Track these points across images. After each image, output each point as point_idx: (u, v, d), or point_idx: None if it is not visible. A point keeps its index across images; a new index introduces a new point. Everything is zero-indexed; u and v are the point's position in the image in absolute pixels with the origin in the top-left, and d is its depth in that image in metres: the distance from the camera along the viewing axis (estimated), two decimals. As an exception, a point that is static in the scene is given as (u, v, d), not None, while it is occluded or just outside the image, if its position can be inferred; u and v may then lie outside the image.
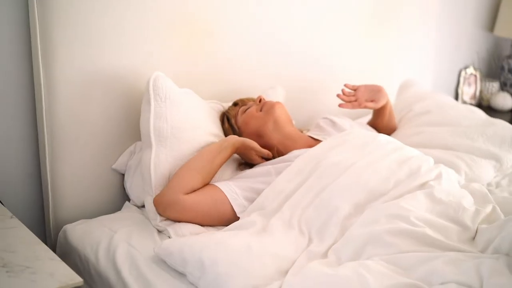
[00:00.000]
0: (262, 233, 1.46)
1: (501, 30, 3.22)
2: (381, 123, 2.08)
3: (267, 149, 1.79)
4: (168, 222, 1.63)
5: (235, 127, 1.86)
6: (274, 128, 1.82)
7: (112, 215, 1.77)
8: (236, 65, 2.06)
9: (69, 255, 1.67)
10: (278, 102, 1.85)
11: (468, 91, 3.33)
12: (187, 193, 1.61)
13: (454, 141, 2.01)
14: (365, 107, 1.93)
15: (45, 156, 1.73)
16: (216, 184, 1.66)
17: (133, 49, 1.79)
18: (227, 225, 1.58)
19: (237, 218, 1.61)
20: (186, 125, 1.73)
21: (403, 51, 2.72)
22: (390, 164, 1.56)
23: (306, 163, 1.62)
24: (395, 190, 1.48)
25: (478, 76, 3.33)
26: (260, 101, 1.86)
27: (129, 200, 1.84)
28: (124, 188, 1.86)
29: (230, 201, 1.62)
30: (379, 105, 1.94)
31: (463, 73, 3.28)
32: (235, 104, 1.92)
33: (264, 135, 1.82)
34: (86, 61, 1.70)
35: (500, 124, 2.12)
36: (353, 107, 1.91)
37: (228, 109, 1.92)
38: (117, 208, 1.85)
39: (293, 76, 2.25)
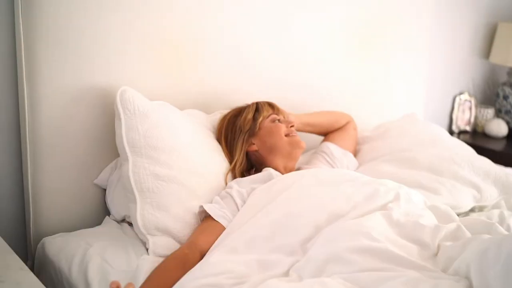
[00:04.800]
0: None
1: (496, 58, 3.24)
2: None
3: (262, 165, 1.88)
4: (151, 233, 1.65)
5: (258, 124, 1.90)
6: (286, 158, 1.90)
7: (91, 229, 1.79)
8: (224, 89, 2.11)
9: (46, 267, 1.69)
10: (304, 143, 1.91)
11: (463, 117, 3.34)
12: None
13: (440, 164, 2.03)
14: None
15: (27, 169, 1.76)
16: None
17: (116, 66, 1.83)
18: None
19: None
20: (159, 133, 1.75)
21: (395, 75, 2.74)
22: (346, 189, 1.58)
23: (267, 194, 1.65)
24: (353, 212, 1.49)
25: (473, 102, 3.34)
26: (291, 126, 1.92)
27: (109, 214, 1.87)
28: (105, 203, 1.89)
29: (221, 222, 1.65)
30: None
31: (457, 99, 3.29)
32: (271, 106, 1.97)
33: (274, 155, 1.89)
34: (69, 77, 1.74)
35: (487, 161, 2.14)
36: None
37: (262, 104, 1.95)
38: (98, 222, 1.86)
39: (282, 98, 2.25)
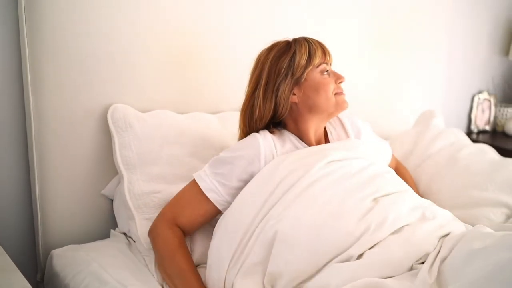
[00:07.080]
0: None
1: (516, 55, 3.17)
2: None
3: (291, 121, 1.67)
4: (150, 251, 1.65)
5: (306, 73, 1.62)
6: (323, 120, 1.67)
7: (99, 242, 1.80)
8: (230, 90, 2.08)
9: (54, 281, 1.70)
10: (348, 103, 1.66)
11: (482, 116, 3.27)
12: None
13: (465, 193, 1.96)
14: None
15: (34, 181, 1.76)
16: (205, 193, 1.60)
17: (120, 80, 1.83)
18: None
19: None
20: (152, 148, 1.76)
21: (412, 75, 2.71)
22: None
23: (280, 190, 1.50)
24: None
25: (492, 101, 3.27)
26: (340, 82, 1.66)
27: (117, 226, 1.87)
28: (114, 213, 1.89)
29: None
30: None
31: (476, 98, 3.22)
32: (324, 51, 1.65)
33: (313, 115, 1.64)
34: (74, 92, 1.74)
35: (507, 170, 2.01)
36: None
37: (315, 47, 1.64)
38: (108, 233, 1.87)
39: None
